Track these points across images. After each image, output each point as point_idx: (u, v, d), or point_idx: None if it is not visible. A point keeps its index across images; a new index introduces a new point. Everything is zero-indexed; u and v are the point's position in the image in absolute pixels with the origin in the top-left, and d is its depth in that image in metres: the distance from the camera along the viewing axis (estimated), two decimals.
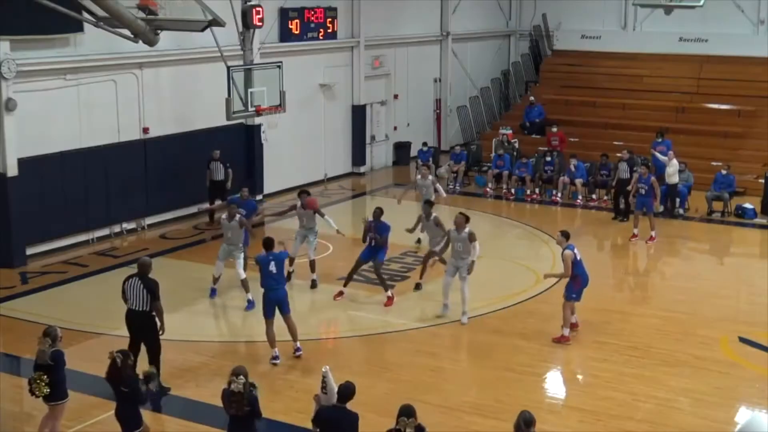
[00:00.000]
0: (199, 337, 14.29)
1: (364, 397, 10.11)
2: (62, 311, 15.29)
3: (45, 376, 10.05)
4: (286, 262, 14.14)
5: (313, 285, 16.48)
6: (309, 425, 9.25)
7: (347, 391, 8.88)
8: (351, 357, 13.59)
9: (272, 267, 12.88)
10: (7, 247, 17.63)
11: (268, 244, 13.13)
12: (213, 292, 16.07)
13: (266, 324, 13.08)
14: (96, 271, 17.58)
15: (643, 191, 19.79)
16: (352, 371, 12.33)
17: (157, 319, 12.00)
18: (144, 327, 12.00)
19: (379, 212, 15.73)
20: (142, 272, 12.02)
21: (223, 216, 15.86)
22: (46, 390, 10.08)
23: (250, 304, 15.30)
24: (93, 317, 14.92)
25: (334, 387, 8.96)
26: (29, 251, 18.08)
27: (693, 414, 11.69)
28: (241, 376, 8.91)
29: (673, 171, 21.50)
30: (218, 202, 20.67)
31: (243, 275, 15.51)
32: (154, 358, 12.02)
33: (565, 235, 14.09)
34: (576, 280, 13.98)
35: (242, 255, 15.65)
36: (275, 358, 13.10)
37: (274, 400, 11.85)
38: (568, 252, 13.88)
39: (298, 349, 13.27)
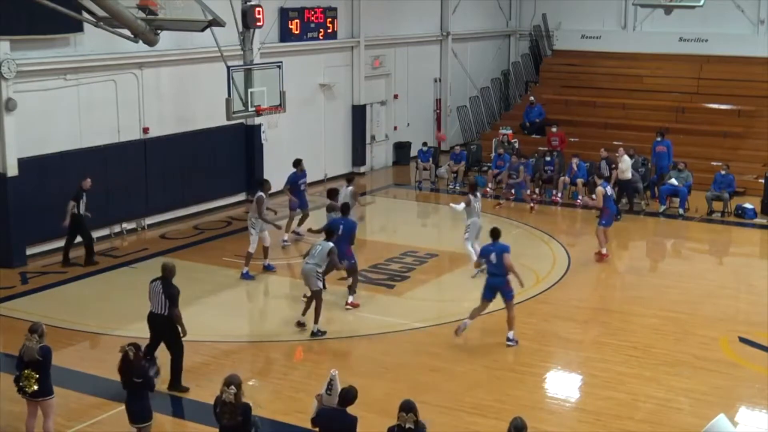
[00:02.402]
0: (199, 337, 14.25)
1: (364, 397, 10.08)
2: (62, 311, 15.30)
3: (35, 373, 10.08)
4: None
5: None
6: (309, 425, 9.26)
7: (348, 395, 8.87)
8: (351, 357, 13.58)
9: (493, 257, 13.95)
10: (7, 247, 17.63)
11: (495, 234, 14.19)
12: (247, 275, 17.09)
13: (481, 302, 14.07)
14: (96, 271, 17.57)
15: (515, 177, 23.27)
16: (352, 371, 12.38)
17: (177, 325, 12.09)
18: (163, 330, 12.09)
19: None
20: (165, 276, 12.06)
21: (260, 193, 17.10)
22: (36, 386, 10.11)
23: (247, 275, 17.04)
24: (93, 317, 14.94)
25: (339, 390, 8.98)
26: (29, 251, 18.08)
27: (693, 414, 11.69)
28: (233, 386, 8.85)
29: (625, 167, 21.85)
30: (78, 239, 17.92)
31: (268, 242, 17.38)
32: (176, 359, 12.11)
33: (599, 176, 19.42)
34: (605, 211, 18.08)
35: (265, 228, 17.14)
36: (463, 327, 13.99)
37: (274, 400, 11.86)
38: (600, 189, 18.03)
39: (509, 339, 13.90)
